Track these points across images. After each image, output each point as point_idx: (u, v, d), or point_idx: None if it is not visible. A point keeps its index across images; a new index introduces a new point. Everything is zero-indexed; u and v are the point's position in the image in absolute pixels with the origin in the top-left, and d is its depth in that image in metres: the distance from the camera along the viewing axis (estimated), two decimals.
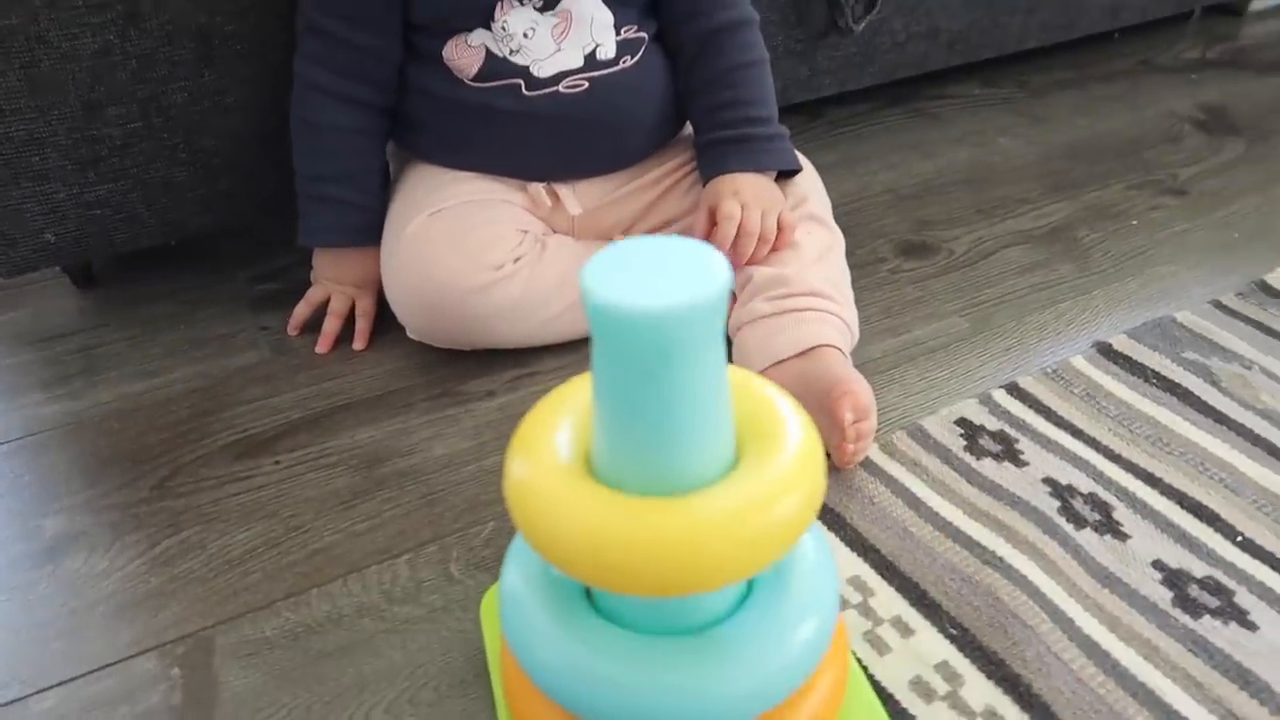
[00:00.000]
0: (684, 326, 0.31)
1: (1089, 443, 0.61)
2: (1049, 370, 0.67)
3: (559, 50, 0.66)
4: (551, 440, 0.36)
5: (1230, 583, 0.51)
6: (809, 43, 0.94)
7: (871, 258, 0.81)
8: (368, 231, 0.70)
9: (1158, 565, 0.52)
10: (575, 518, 0.34)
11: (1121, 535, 0.54)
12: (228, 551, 0.56)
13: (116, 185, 0.71)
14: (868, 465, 0.59)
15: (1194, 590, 0.51)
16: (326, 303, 0.72)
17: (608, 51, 0.67)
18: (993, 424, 0.62)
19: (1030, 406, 0.64)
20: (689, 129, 0.74)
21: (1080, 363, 0.68)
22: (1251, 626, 0.49)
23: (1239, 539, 0.54)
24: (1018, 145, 0.99)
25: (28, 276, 0.79)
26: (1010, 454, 0.60)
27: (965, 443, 0.61)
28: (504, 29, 0.65)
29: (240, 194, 0.75)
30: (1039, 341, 0.71)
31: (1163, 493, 0.57)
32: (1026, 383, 0.66)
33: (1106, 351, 0.69)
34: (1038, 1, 1.07)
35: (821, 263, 0.66)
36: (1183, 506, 0.56)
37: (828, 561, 0.41)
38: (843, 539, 0.54)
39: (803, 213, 0.69)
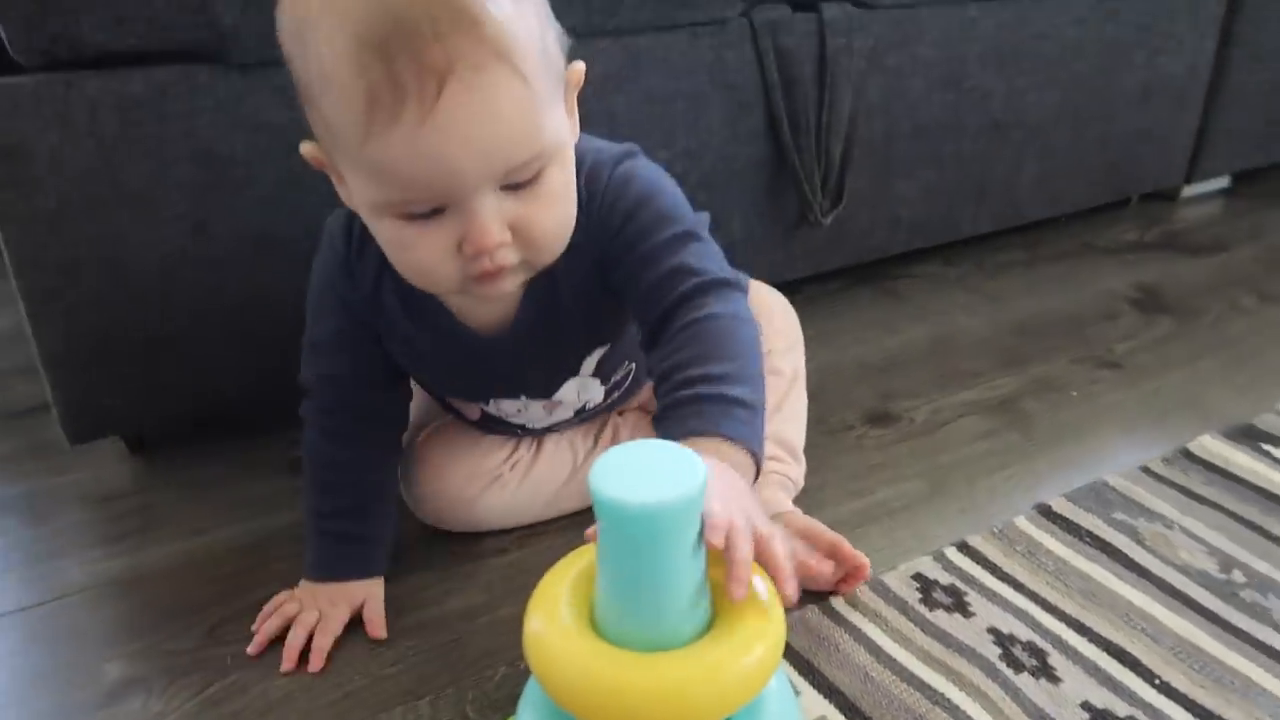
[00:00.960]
0: (671, 515, 0.41)
1: (1029, 595, 0.69)
2: (995, 530, 0.76)
3: (551, 416, 0.74)
4: (561, 602, 0.45)
5: None
6: (784, 232, 1.07)
7: (841, 425, 0.91)
8: (374, 564, 0.70)
9: (1085, 706, 0.60)
10: (582, 669, 0.43)
11: (1055, 679, 0.62)
12: (268, 694, 0.63)
13: (179, 366, 0.81)
14: (834, 616, 0.67)
15: None
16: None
17: (597, 398, 0.74)
18: (945, 579, 0.71)
19: (978, 563, 0.72)
20: None
21: (1023, 523, 0.77)
22: None
23: (1157, 682, 0.62)
24: (973, 322, 1.11)
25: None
26: (960, 606, 0.68)
27: (920, 595, 0.69)
28: (498, 407, 0.72)
29: (284, 372, 0.85)
30: (988, 503, 0.80)
31: (1091, 640, 0.65)
32: (976, 541, 0.75)
33: (1046, 512, 0.78)
34: (985, 193, 1.21)
35: (773, 419, 0.73)
36: (1109, 653, 0.64)
37: (790, 704, 0.49)
38: (811, 683, 0.62)
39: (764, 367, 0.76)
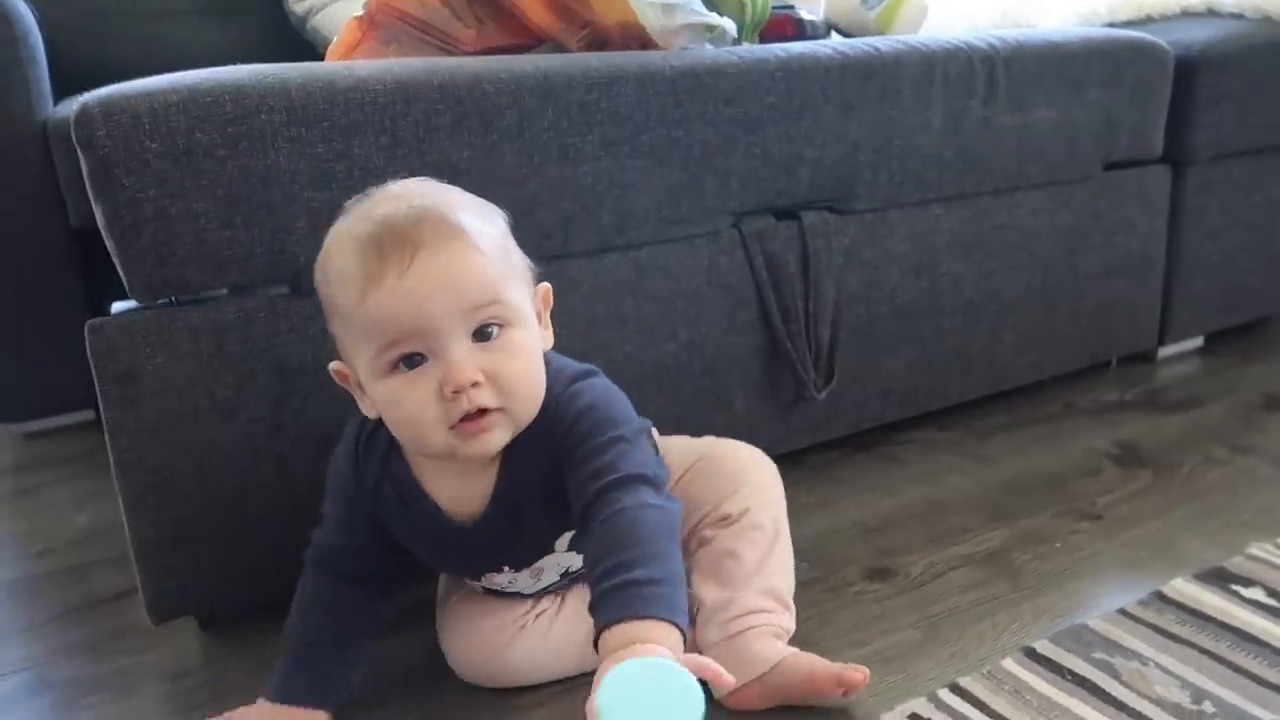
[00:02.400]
0: None
1: None
2: (985, 672, 0.83)
3: (539, 582, 0.84)
4: None
5: None
6: (783, 409, 1.19)
7: (841, 582, 0.99)
8: (335, 694, 0.80)
9: None
10: None
11: None
12: None
13: (251, 550, 0.92)
14: None
15: None
16: None
17: (577, 564, 0.84)
18: (938, 718, 0.78)
19: (968, 701, 0.80)
20: None
21: (1010, 664, 0.84)
22: None
23: None
24: (964, 482, 1.21)
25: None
26: None
27: None
28: (490, 580, 0.83)
29: None
30: (978, 647, 0.87)
31: None
32: (966, 682, 0.82)
33: (1031, 654, 0.85)
34: (968, 365, 1.34)
35: (760, 572, 0.83)
36: None
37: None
38: None
39: (746, 523, 0.85)
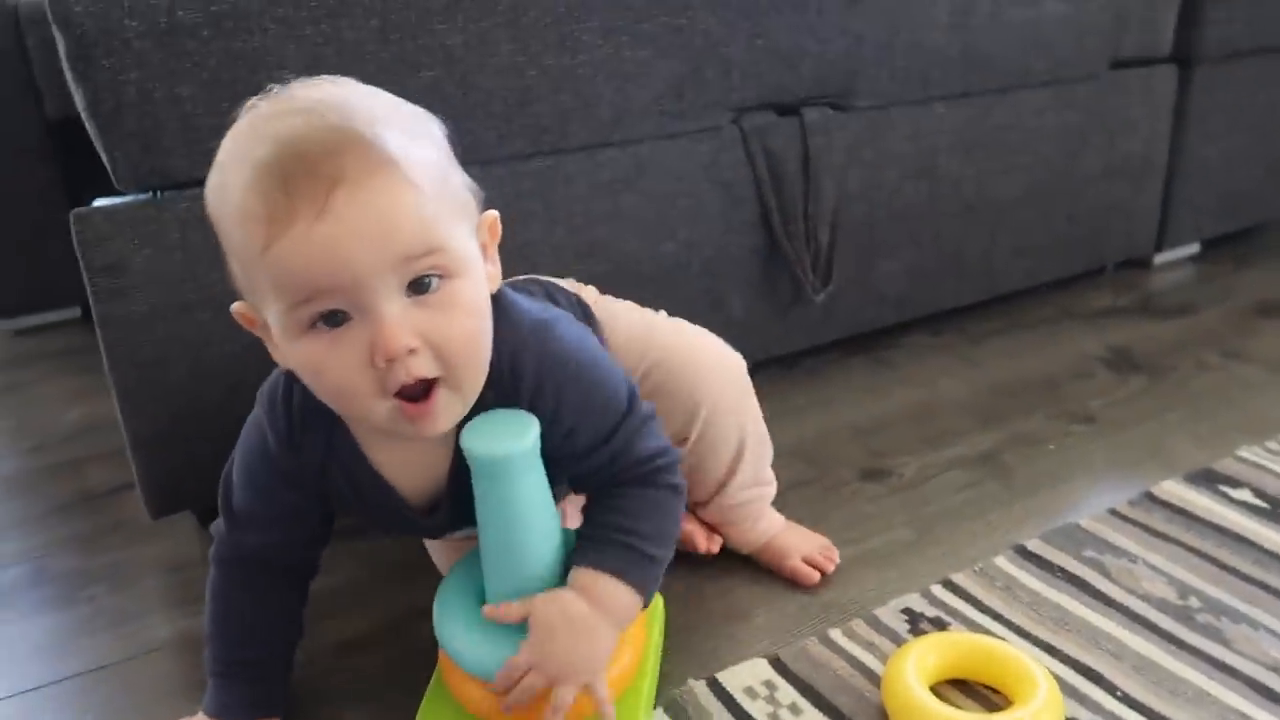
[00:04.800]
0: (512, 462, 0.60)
1: (1005, 624, 0.78)
2: (977, 569, 0.85)
3: None
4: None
5: None
6: (780, 311, 1.19)
7: (837, 482, 1.00)
8: (278, 702, 0.71)
9: None
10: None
11: None
12: None
13: None
14: (832, 647, 0.76)
15: None
16: None
17: None
18: (931, 612, 0.80)
19: (961, 597, 0.81)
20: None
21: (1002, 561, 0.86)
22: None
23: (1119, 694, 0.70)
24: (956, 385, 1.21)
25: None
26: None
27: (909, 627, 0.78)
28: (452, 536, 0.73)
29: None
30: (970, 546, 0.89)
31: (1061, 660, 0.74)
32: (959, 579, 0.83)
33: (1022, 552, 0.87)
34: (964, 269, 1.33)
35: (733, 479, 0.82)
36: (1076, 670, 0.73)
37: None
38: (813, 703, 0.71)
39: (708, 442, 0.80)
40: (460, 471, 0.63)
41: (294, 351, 0.56)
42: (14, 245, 1.40)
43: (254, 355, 0.88)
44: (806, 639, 0.77)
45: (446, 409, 0.58)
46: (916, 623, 0.78)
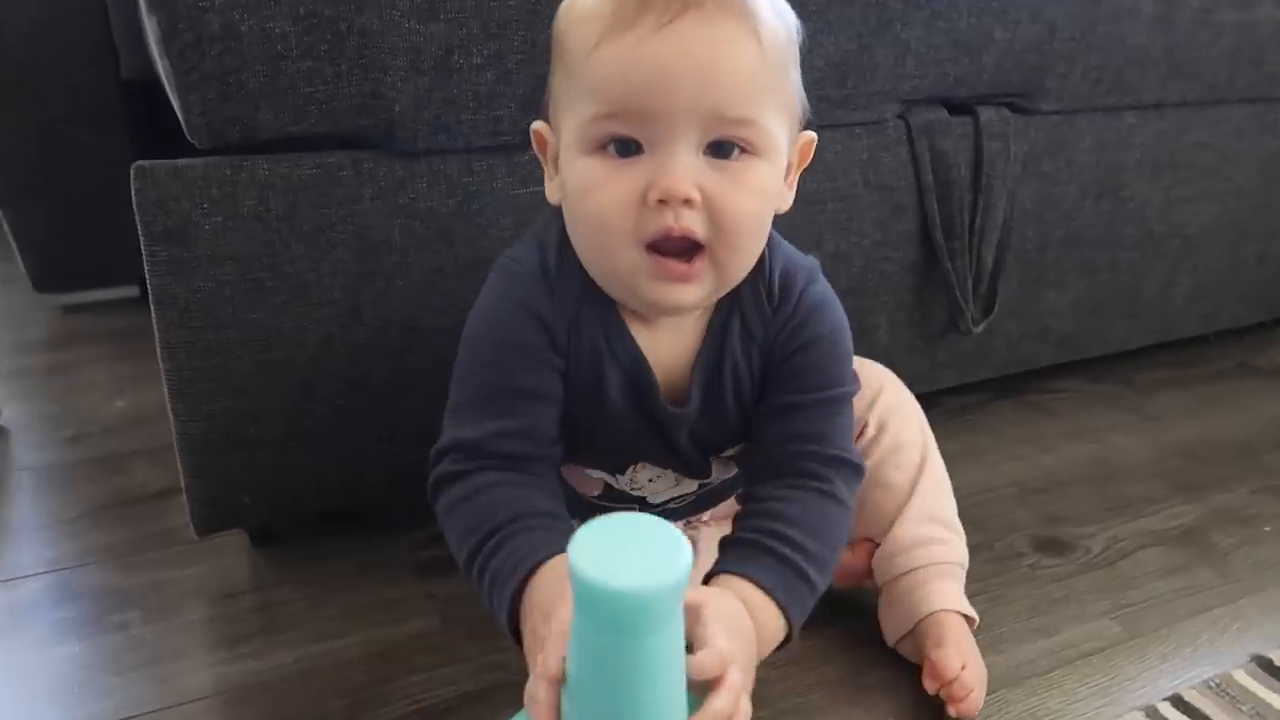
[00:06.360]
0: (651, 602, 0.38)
1: None
2: (1211, 684, 0.67)
3: (676, 486, 0.68)
4: None
5: None
6: (931, 341, 1.02)
7: (1009, 551, 0.83)
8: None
9: None
10: None
11: None
12: None
13: (315, 455, 0.78)
14: None
15: None
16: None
17: (721, 475, 0.69)
18: None
19: None
20: None
21: (1242, 677, 0.68)
22: None
23: None
24: (1132, 443, 1.03)
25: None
26: None
27: None
28: (630, 478, 0.67)
29: (419, 468, 0.81)
30: (1194, 650, 0.71)
31: None
32: (1191, 696, 0.66)
33: (1267, 666, 0.69)
34: (1138, 307, 1.15)
35: (915, 495, 0.71)
36: None
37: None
38: None
39: (889, 443, 0.73)
40: (712, 359, 0.60)
41: (575, 167, 0.54)
42: (72, 212, 1.28)
43: (333, 351, 0.74)
44: None
45: (700, 282, 0.54)
46: None
